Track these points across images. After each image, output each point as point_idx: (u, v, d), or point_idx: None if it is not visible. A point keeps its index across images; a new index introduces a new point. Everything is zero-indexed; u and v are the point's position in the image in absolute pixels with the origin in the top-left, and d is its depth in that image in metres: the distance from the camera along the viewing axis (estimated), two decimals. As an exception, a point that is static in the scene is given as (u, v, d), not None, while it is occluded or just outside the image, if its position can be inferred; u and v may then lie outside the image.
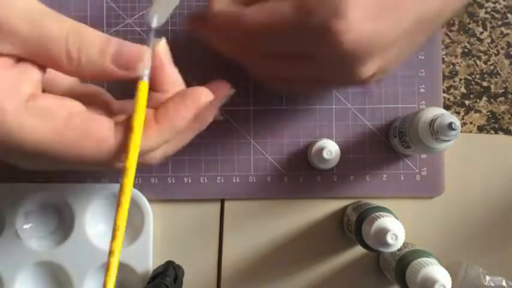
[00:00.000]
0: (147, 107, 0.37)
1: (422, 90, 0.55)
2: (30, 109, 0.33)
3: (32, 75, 0.35)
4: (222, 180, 0.55)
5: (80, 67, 0.35)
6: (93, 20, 0.55)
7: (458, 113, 0.56)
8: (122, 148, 0.35)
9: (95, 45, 0.35)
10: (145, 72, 0.37)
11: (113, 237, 0.36)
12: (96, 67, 0.35)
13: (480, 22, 0.57)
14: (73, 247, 0.54)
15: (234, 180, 0.55)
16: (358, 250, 0.55)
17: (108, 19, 0.55)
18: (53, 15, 0.35)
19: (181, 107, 0.37)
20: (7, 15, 0.33)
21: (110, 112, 0.41)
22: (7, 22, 0.33)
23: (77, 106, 0.36)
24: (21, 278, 0.54)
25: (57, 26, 0.34)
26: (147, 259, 0.53)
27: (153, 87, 0.39)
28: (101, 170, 0.37)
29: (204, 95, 0.37)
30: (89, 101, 0.39)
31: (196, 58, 0.53)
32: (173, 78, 0.40)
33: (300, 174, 0.55)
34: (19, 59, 0.35)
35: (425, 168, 0.55)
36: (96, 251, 0.54)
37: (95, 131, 0.35)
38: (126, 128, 0.36)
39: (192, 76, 0.46)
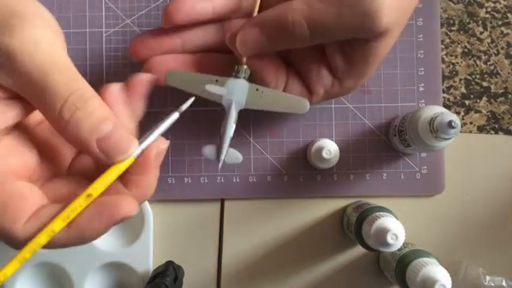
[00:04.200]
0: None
1: (421, 88, 0.55)
2: None
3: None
4: (222, 180, 0.55)
5: (64, 129, 0.33)
6: (92, 21, 0.55)
7: (458, 113, 0.56)
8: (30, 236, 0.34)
9: (90, 118, 0.33)
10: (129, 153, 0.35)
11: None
12: (78, 138, 0.33)
13: (480, 22, 0.57)
14: (73, 248, 0.53)
15: (234, 180, 0.55)
16: (358, 250, 0.55)
17: (107, 20, 0.55)
18: (66, 70, 0.34)
19: (95, 221, 0.34)
20: (23, 52, 0.32)
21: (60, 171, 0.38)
22: (19, 58, 0.32)
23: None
24: (21, 279, 0.54)
25: (64, 82, 0.33)
26: (147, 259, 0.53)
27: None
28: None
29: (124, 209, 0.34)
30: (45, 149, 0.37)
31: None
32: (145, 183, 0.36)
33: (300, 174, 0.55)
34: (11, 96, 0.34)
35: (425, 167, 0.55)
36: (96, 251, 0.54)
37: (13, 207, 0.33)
38: (43, 225, 0.33)
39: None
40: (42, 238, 0.33)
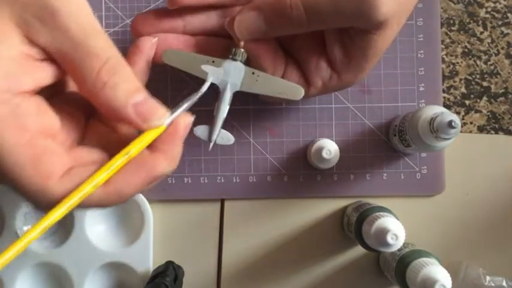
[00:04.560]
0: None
1: (422, 88, 0.55)
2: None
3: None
4: (222, 180, 0.55)
5: (101, 91, 0.34)
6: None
7: (458, 113, 0.56)
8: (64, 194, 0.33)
9: (128, 82, 0.34)
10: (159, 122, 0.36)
11: None
12: (115, 101, 0.34)
13: (480, 22, 0.57)
14: (73, 248, 0.54)
15: (234, 180, 0.55)
16: (358, 250, 0.55)
17: (107, 19, 0.55)
18: (104, 36, 0.35)
19: (133, 176, 0.35)
20: (67, 11, 0.33)
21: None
22: (64, 16, 0.33)
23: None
24: (21, 279, 0.54)
25: (103, 46, 0.34)
26: (147, 259, 0.53)
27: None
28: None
29: (160, 165, 0.35)
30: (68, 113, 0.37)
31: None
32: (172, 153, 0.36)
33: (300, 174, 0.55)
34: (44, 58, 0.34)
35: (425, 167, 0.55)
36: (96, 251, 0.54)
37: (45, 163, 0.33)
38: (79, 181, 0.33)
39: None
40: (85, 190, 0.33)
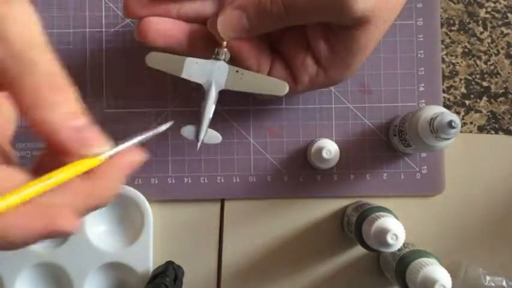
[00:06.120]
0: None
1: (422, 88, 0.55)
2: None
3: None
4: (222, 180, 0.55)
5: (37, 109, 0.29)
6: (92, 21, 0.55)
7: (458, 113, 0.56)
8: None
9: (69, 104, 0.30)
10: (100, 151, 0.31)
11: None
12: (52, 122, 0.30)
13: (480, 22, 0.57)
14: (73, 248, 0.54)
15: (234, 180, 0.55)
16: (358, 250, 0.55)
17: (107, 19, 0.55)
18: (49, 51, 0.31)
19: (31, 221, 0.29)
20: (12, 20, 0.30)
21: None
22: (7, 25, 0.29)
23: None
24: (21, 279, 0.54)
25: (48, 62, 0.31)
26: (147, 259, 0.53)
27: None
28: None
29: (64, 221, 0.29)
30: None
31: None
32: (106, 192, 0.32)
33: (300, 174, 0.55)
34: None
35: (425, 167, 0.55)
36: (96, 252, 0.54)
37: None
38: None
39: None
40: None
